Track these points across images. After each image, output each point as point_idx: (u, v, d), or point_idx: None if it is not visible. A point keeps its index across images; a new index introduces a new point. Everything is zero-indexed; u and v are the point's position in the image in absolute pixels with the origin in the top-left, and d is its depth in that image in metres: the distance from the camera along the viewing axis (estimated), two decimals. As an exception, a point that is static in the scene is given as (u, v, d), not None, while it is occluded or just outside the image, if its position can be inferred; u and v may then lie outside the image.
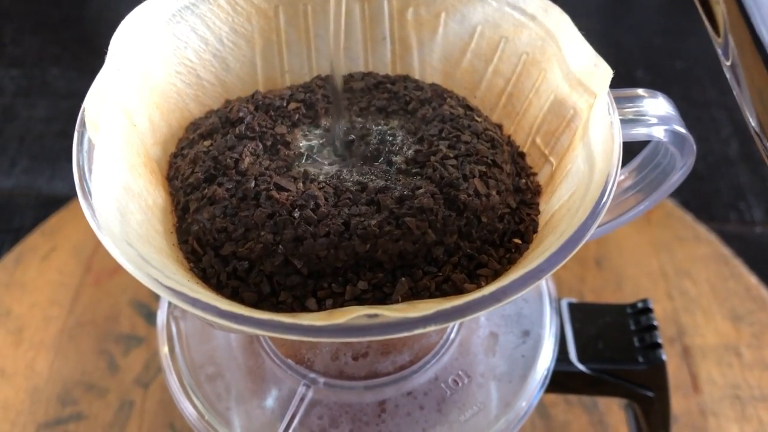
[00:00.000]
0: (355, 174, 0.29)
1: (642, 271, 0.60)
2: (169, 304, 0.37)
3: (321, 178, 0.28)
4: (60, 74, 0.77)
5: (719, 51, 0.23)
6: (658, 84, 0.31)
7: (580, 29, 0.29)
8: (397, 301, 0.26)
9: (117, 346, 0.54)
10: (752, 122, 0.23)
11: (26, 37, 0.82)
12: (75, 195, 0.25)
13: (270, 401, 0.33)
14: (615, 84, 0.29)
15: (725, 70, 0.23)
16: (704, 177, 0.70)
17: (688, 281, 0.59)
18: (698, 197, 0.68)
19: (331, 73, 0.30)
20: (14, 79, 0.77)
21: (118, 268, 0.60)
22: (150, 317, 0.56)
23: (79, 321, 0.56)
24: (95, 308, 0.56)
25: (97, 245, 0.60)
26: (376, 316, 0.22)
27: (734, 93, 0.24)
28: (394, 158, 0.30)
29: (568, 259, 0.23)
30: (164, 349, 0.36)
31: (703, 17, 0.23)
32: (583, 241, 0.23)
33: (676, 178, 0.31)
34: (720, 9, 0.22)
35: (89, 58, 0.77)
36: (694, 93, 0.77)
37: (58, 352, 0.54)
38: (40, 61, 0.79)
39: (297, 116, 0.31)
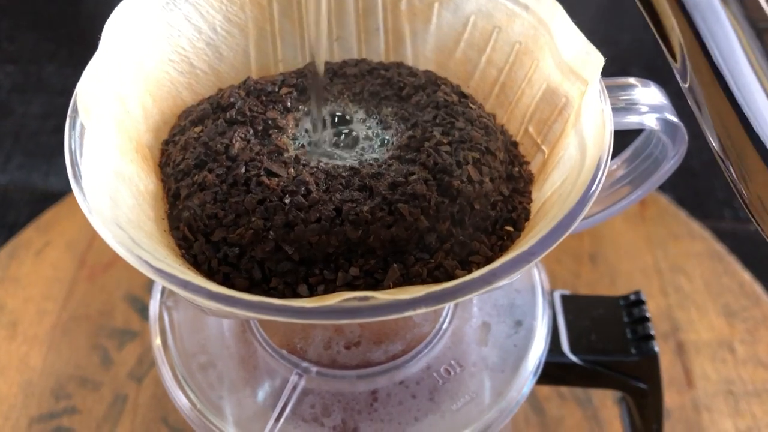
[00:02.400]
0: (347, 159, 0.29)
1: (636, 267, 0.60)
2: (162, 294, 0.37)
3: (313, 163, 0.28)
4: (55, 71, 0.77)
5: (677, 74, 0.23)
6: (654, 82, 0.31)
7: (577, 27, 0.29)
8: (388, 287, 0.26)
9: (111, 340, 0.54)
10: (715, 145, 0.23)
11: (22, 33, 0.82)
12: (70, 190, 0.25)
13: (262, 390, 0.33)
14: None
15: (684, 91, 0.23)
16: (699, 174, 0.70)
17: (682, 277, 0.59)
18: (693, 194, 0.68)
19: (310, 58, 0.30)
20: (10, 75, 0.77)
21: (112, 263, 0.60)
22: (144, 312, 0.56)
23: (72, 315, 0.56)
24: (89, 303, 0.56)
25: (92, 240, 0.60)
26: (366, 298, 0.22)
27: (696, 115, 0.24)
28: (388, 143, 0.30)
29: (558, 242, 0.23)
30: (156, 341, 0.36)
31: (660, 41, 0.23)
32: (574, 226, 0.23)
33: (668, 167, 0.31)
34: (676, 36, 0.22)
35: (85, 55, 0.77)
36: (689, 91, 0.78)
37: (52, 347, 0.54)
38: (36, 57, 0.79)
39: (289, 101, 0.31)
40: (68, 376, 0.52)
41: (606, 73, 0.30)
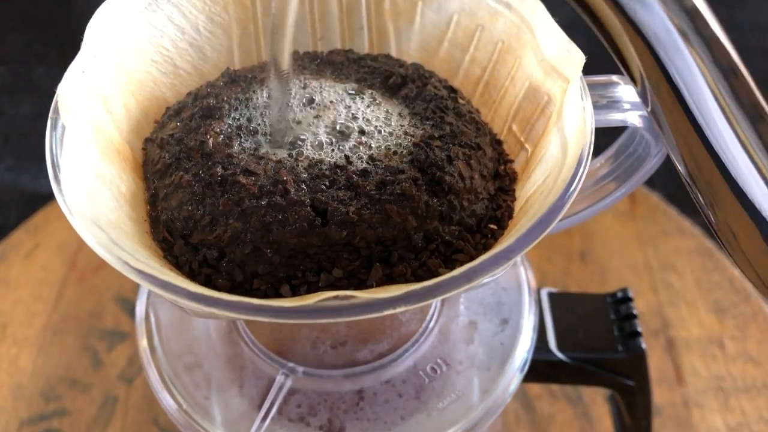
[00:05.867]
0: (331, 153, 0.28)
1: (627, 265, 0.60)
2: (148, 295, 0.36)
3: (291, 158, 0.27)
4: (45, 72, 0.77)
5: (639, 98, 0.23)
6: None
7: (565, 25, 0.29)
8: (371, 287, 0.25)
9: (101, 342, 0.54)
10: (681, 169, 0.22)
11: (12, 34, 0.82)
12: None
13: (248, 390, 0.33)
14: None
15: (648, 114, 0.23)
16: (689, 172, 0.70)
17: (672, 274, 0.60)
18: (683, 192, 0.68)
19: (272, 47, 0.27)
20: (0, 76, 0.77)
21: (102, 265, 0.60)
22: (134, 313, 0.56)
23: (63, 317, 0.55)
24: (79, 304, 0.56)
25: (81, 242, 0.59)
26: (346, 297, 0.22)
27: (661, 138, 0.23)
28: (376, 136, 0.29)
29: (537, 240, 0.23)
30: (143, 342, 0.36)
31: (620, 66, 0.23)
32: (554, 223, 0.24)
33: (652, 164, 0.31)
34: (635, 63, 0.22)
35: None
36: (679, 89, 0.78)
37: (42, 349, 0.54)
38: (26, 59, 0.79)
39: (267, 88, 0.30)
40: (58, 377, 0.52)
41: (598, 71, 0.30)
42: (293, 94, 0.30)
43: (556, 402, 0.52)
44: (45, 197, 0.64)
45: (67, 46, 0.28)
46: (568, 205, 0.24)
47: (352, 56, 0.33)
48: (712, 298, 0.58)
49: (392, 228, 0.26)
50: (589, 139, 0.26)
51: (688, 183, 0.23)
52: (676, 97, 0.21)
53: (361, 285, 0.26)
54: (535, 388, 0.52)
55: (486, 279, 0.24)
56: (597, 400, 0.52)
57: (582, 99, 0.27)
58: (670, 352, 0.55)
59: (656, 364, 0.53)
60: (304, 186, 0.26)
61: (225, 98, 0.29)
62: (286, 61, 0.27)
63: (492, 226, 0.28)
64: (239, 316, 0.22)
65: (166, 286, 0.22)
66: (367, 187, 0.26)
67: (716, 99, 0.20)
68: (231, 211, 0.25)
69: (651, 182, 0.68)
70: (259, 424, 0.32)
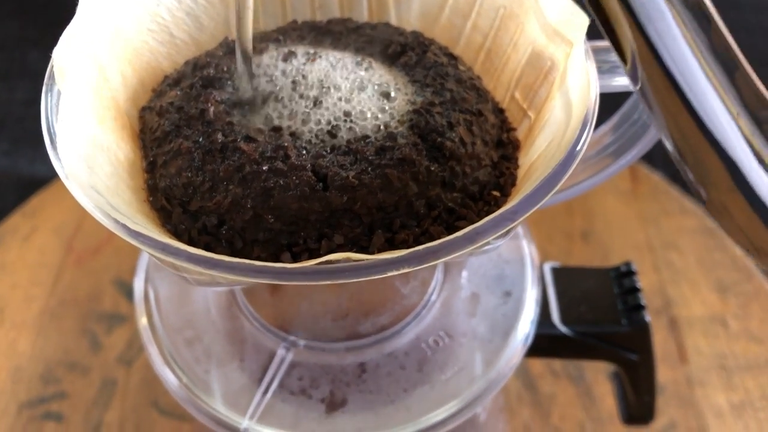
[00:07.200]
0: (331, 119, 0.28)
1: (628, 244, 0.60)
2: (146, 271, 0.36)
3: (292, 124, 0.27)
4: (40, 57, 0.76)
5: (627, 77, 0.23)
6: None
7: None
8: (373, 254, 0.25)
9: (99, 324, 0.54)
10: (669, 148, 0.22)
11: (6, 19, 0.81)
12: (56, 176, 0.24)
13: (249, 364, 0.32)
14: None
15: (635, 93, 0.23)
16: (690, 152, 0.70)
17: (674, 253, 0.59)
18: (684, 172, 0.68)
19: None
20: (-6, 62, 0.77)
21: (99, 248, 0.59)
22: (132, 295, 0.55)
23: (61, 300, 0.55)
24: (77, 288, 0.56)
25: (79, 225, 0.59)
26: (348, 260, 0.22)
27: (648, 118, 0.23)
28: (375, 103, 0.29)
29: (542, 202, 0.23)
30: (143, 321, 0.35)
31: (610, 44, 0.23)
32: (559, 184, 0.23)
33: (655, 132, 0.31)
34: (628, 42, 0.22)
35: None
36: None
37: (40, 332, 0.53)
38: (20, 43, 0.78)
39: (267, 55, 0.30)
40: (57, 361, 0.52)
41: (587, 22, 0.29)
42: (292, 62, 0.29)
43: (558, 381, 0.52)
44: (41, 181, 0.63)
45: (62, 31, 0.28)
46: (572, 167, 0.24)
47: (350, 25, 0.32)
48: (714, 277, 0.58)
49: (393, 193, 0.25)
50: (593, 99, 0.25)
51: (679, 162, 0.22)
52: (663, 73, 0.21)
53: (362, 252, 0.25)
54: (537, 367, 0.52)
55: (488, 244, 0.24)
56: (599, 378, 0.51)
57: (586, 61, 0.27)
58: (672, 331, 0.55)
59: (659, 342, 0.53)
60: (304, 151, 0.26)
61: (225, 68, 0.29)
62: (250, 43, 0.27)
63: (495, 193, 0.28)
64: (240, 278, 0.22)
65: (165, 248, 0.22)
66: (367, 153, 0.26)
67: (706, 76, 0.20)
68: (231, 177, 0.25)
69: (653, 162, 0.67)
70: (261, 397, 0.31)
